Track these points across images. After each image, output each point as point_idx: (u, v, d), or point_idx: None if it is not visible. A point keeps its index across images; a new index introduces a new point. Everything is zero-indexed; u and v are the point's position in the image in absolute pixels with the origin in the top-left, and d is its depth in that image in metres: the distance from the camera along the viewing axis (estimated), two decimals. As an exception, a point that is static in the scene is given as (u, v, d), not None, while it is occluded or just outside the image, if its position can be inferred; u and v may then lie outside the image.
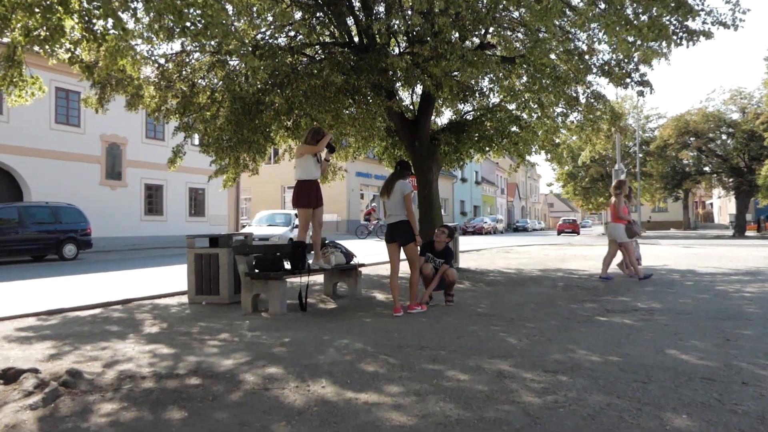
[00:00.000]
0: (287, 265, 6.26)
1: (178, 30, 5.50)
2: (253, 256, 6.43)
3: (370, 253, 14.17)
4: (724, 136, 38.11)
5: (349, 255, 7.02)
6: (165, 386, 3.34)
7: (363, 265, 7.52)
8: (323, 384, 3.32)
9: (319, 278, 8.29)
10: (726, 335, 4.58)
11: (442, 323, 5.26)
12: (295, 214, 15.44)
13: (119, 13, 5.39)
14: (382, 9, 9.55)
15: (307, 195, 6.14)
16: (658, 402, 2.94)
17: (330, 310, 6.34)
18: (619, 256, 9.57)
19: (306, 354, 4.07)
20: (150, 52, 8.86)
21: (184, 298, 7.12)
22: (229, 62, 9.57)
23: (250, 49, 7.69)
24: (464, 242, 19.84)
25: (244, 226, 15.18)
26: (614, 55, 8.90)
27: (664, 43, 7.19)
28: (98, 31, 5.90)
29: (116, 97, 9.54)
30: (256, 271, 6.20)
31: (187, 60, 9.73)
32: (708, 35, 7.45)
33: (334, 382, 3.36)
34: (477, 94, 11.16)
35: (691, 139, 39.01)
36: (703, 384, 3.25)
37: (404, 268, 6.77)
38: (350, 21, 9.82)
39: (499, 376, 3.42)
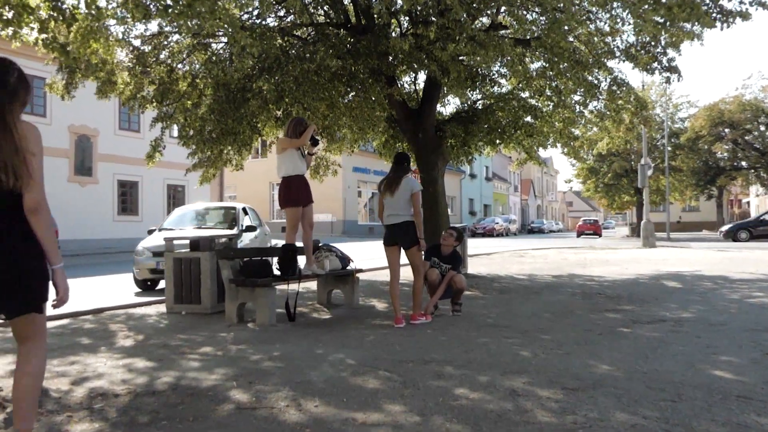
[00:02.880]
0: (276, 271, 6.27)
1: (157, 9, 5.50)
2: (238, 260, 6.44)
3: (369, 258, 14.18)
4: (762, 127, 38.11)
5: (344, 259, 7.03)
6: (141, 405, 3.34)
7: (361, 270, 7.53)
8: (316, 403, 3.32)
9: (312, 285, 8.29)
10: (764, 349, 4.59)
11: (448, 335, 5.26)
12: (244, 209, 11.58)
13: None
14: (381, -14, 9.56)
15: (295, 192, 6.15)
16: (688, 422, 2.94)
17: (324, 320, 6.35)
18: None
19: (297, 369, 4.07)
20: (126, 33, 8.85)
21: (162, 308, 7.13)
22: (212, 45, 9.57)
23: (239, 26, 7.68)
24: (473, 245, 19.87)
25: (152, 231, 10.55)
26: (639, 38, 8.90)
27: (696, 24, 7.19)
28: (68, 11, 5.90)
29: (86, 84, 9.52)
30: (242, 277, 6.20)
31: (165, 42, 9.73)
32: (745, 16, 7.45)
33: (329, 400, 3.36)
34: (487, 81, 11.16)
35: (726, 130, 38.97)
36: (739, 403, 3.25)
37: (405, 273, 6.77)
38: (346, -1, 9.83)
39: (512, 394, 3.43)
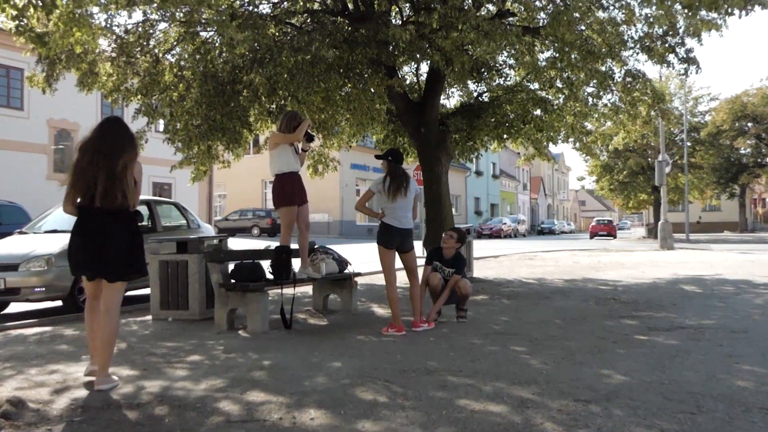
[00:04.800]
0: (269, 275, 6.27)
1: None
2: (229, 263, 6.44)
3: (367, 261, 14.20)
4: (788, 122, 38.11)
5: (342, 262, 7.02)
6: (125, 417, 3.35)
7: (359, 274, 7.53)
8: (312, 415, 3.33)
9: (308, 290, 8.30)
10: (789, 357, 4.60)
11: (452, 343, 5.27)
12: (149, 204, 9.33)
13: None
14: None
15: (290, 191, 6.15)
16: (708, 436, 2.95)
17: (320, 327, 6.35)
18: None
19: (292, 379, 4.08)
20: (108, 21, 8.85)
21: (147, 314, 7.13)
22: (202, 34, 9.56)
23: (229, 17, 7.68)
24: (479, 247, 19.86)
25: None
26: (656, 27, 8.91)
27: (721, 9, 7.21)
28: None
29: (67, 76, 9.52)
30: (233, 281, 6.20)
31: (151, 31, 9.73)
32: (764, 4, 7.51)
33: (325, 412, 3.37)
34: (494, 72, 11.15)
35: (749, 124, 38.98)
36: (762, 415, 3.26)
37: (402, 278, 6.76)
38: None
39: (521, 406, 3.43)
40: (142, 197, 8.56)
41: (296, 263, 6.44)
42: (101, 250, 3.94)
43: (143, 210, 8.89)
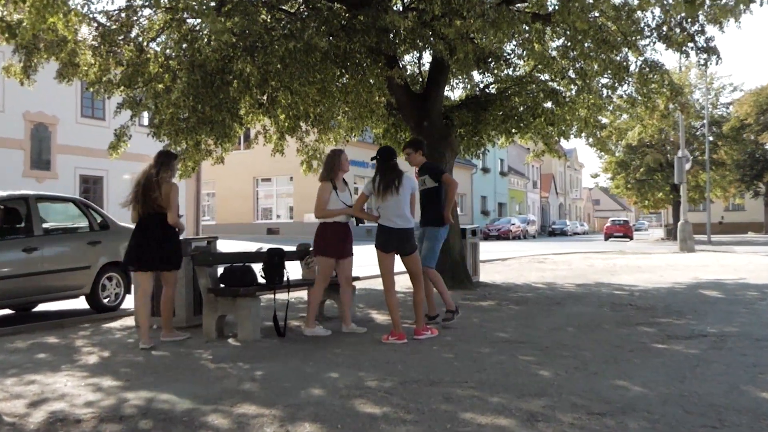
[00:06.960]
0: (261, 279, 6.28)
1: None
2: (218, 267, 6.44)
3: (366, 264, 14.20)
4: (816, 115, 38.12)
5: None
6: (107, 431, 3.35)
7: (357, 278, 7.53)
8: (307, 429, 3.33)
9: (302, 295, 8.30)
10: (818, 367, 4.60)
11: (457, 352, 5.27)
12: (27, 202, 7.49)
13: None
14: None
15: (343, 242, 6.14)
16: (731, 452, 2.95)
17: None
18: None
19: (285, 391, 4.08)
20: (87, 6, 8.85)
21: (131, 320, 7.13)
22: (187, 21, 9.57)
23: (213, 4, 7.68)
24: (486, 249, 19.87)
25: None
26: (672, 13, 8.91)
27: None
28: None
29: (45, 65, 9.53)
30: (222, 286, 6.21)
31: (135, 18, 9.73)
32: None
33: (321, 426, 3.37)
34: (501, 62, 11.14)
35: (775, 118, 38.89)
36: (788, 429, 3.26)
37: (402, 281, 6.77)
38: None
39: (530, 419, 3.44)
40: (20, 192, 8.36)
41: (290, 266, 6.44)
42: (151, 247, 5.66)
43: (22, 209, 7.66)
